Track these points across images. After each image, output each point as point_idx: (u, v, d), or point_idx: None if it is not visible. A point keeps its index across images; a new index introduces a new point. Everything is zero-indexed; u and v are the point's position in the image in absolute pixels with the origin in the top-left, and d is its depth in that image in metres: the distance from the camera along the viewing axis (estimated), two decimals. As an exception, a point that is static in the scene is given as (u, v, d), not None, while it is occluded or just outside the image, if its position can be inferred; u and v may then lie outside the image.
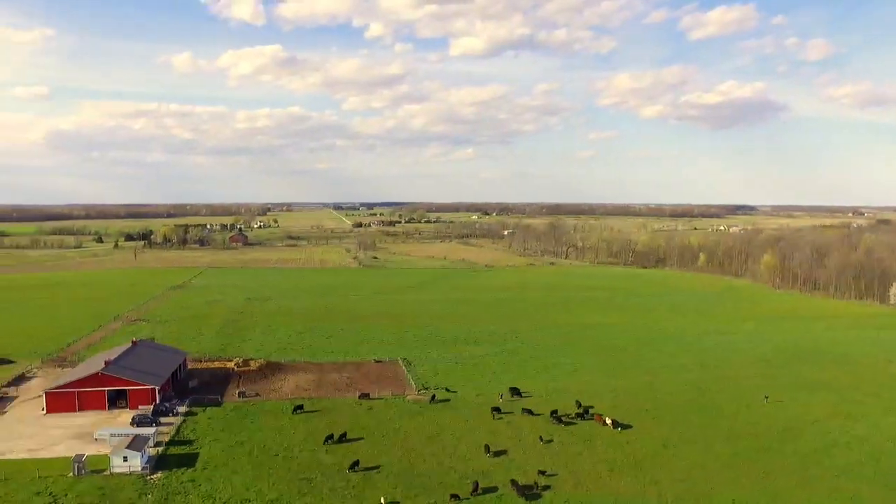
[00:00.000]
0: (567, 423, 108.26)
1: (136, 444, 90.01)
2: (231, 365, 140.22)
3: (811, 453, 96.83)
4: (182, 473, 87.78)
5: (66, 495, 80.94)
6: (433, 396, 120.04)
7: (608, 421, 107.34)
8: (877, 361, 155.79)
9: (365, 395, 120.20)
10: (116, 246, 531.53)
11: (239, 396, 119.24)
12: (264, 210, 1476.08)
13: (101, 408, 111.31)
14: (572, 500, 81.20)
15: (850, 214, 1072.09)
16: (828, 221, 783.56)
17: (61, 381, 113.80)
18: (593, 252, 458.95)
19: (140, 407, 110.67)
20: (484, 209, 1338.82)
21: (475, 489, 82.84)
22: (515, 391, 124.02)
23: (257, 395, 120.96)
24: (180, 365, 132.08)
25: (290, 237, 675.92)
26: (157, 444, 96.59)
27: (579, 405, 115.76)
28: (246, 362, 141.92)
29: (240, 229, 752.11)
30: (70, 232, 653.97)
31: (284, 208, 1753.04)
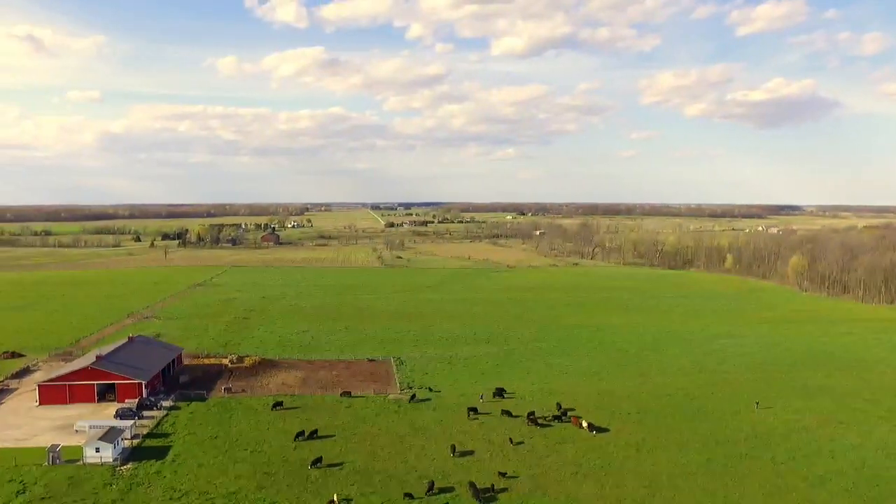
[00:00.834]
0: (543, 426, 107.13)
1: (108, 436, 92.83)
2: (226, 361, 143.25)
3: (789, 461, 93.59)
4: (151, 465, 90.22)
5: (36, 483, 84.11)
6: (413, 396, 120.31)
7: (584, 424, 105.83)
8: (889, 368, 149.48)
9: (346, 394, 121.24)
10: (152, 245, 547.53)
11: (224, 392, 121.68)
12: (302, 210, 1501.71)
13: (91, 400, 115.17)
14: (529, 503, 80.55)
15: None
16: (874, 222, 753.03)
17: (54, 375, 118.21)
18: (621, 253, 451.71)
19: (126, 400, 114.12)
20: (521, 209, 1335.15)
21: (430, 489, 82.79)
22: (500, 392, 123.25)
23: (243, 391, 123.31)
24: (174, 360, 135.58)
25: (322, 237, 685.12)
26: (135, 437, 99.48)
27: (559, 407, 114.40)
28: (241, 359, 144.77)
29: (273, 229, 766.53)
30: (111, 231, 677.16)
31: (322, 208, 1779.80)
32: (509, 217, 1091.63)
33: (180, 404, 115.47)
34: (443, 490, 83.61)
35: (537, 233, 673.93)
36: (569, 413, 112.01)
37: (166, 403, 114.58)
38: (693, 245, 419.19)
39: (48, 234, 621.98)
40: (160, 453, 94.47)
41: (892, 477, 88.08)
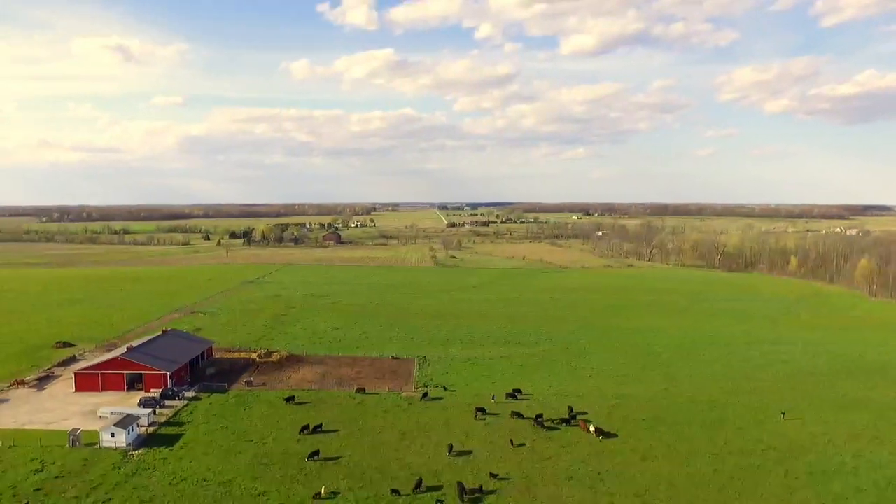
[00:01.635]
0: (549, 429, 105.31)
1: (123, 422, 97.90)
2: (254, 356, 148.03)
3: (805, 476, 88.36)
4: (159, 452, 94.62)
5: (54, 463, 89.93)
6: (425, 394, 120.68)
7: (591, 428, 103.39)
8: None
9: (361, 390, 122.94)
10: (219, 243, 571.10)
11: (245, 385, 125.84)
12: (369, 210, 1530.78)
13: (121, 389, 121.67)
14: (514, 506, 79.59)
15: None
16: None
17: (88, 364, 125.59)
18: (680, 254, 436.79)
19: (152, 390, 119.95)
20: (588, 209, 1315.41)
21: (417, 486, 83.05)
22: (515, 393, 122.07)
23: (263, 384, 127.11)
24: (203, 353, 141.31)
25: (383, 236, 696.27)
26: (152, 424, 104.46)
27: (571, 410, 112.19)
28: (268, 354, 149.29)
29: (336, 228, 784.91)
30: (183, 230, 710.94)
31: (390, 208, 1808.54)
32: (574, 217, 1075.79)
33: (202, 395, 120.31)
34: (431, 488, 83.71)
35: (599, 233, 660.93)
36: (578, 417, 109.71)
37: (189, 394, 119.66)
38: (757, 247, 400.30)
39: (126, 232, 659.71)
40: (171, 441, 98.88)
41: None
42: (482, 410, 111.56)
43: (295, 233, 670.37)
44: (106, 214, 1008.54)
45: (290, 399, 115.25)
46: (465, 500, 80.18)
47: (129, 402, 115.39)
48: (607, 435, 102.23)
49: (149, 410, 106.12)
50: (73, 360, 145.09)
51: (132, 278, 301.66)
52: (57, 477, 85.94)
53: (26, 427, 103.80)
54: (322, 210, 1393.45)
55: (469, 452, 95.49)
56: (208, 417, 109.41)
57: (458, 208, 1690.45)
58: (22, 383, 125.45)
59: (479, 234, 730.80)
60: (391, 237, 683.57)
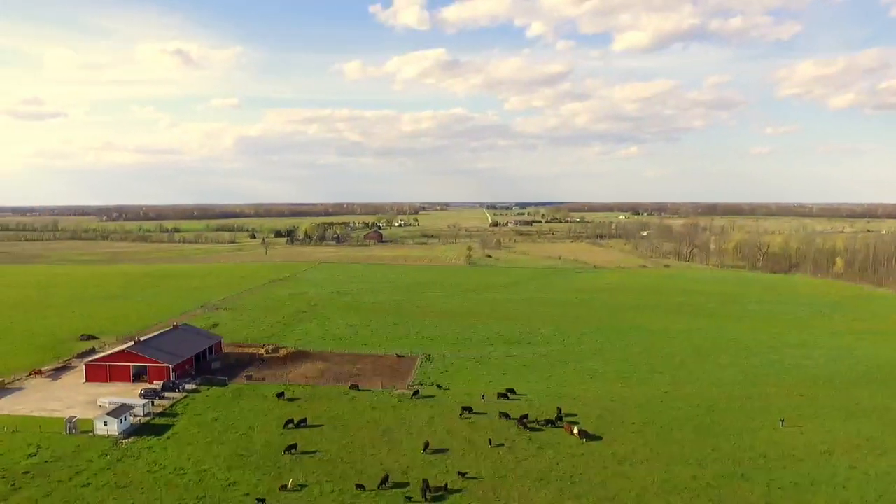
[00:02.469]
0: (533, 430, 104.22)
1: (117, 412, 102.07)
2: (261, 351, 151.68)
3: (790, 487, 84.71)
4: (147, 440, 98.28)
5: (48, 448, 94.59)
6: (416, 392, 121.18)
7: (575, 430, 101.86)
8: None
9: (354, 387, 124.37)
10: (263, 242, 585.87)
11: (245, 379, 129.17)
12: (417, 209, 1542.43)
13: (127, 380, 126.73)
14: (476, 506, 79.31)
15: None
16: None
17: (99, 356, 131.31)
18: (723, 255, 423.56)
19: (155, 381, 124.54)
20: (638, 209, 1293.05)
21: (383, 482, 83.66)
22: (508, 393, 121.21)
23: (263, 379, 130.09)
24: (210, 348, 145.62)
25: (424, 235, 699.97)
26: (147, 414, 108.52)
27: (559, 412, 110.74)
28: (276, 349, 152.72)
29: (379, 227, 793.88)
30: (230, 229, 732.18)
31: (438, 207, 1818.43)
32: (622, 217, 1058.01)
33: (202, 388, 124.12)
34: (398, 485, 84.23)
35: (644, 233, 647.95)
36: (565, 418, 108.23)
37: (189, 386, 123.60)
38: (803, 247, 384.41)
39: (177, 231, 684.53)
40: (161, 430, 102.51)
41: (901, 512, 77.59)
42: (469, 409, 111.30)
43: (338, 231, 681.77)
44: (161, 214, 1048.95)
45: (280, 395, 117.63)
46: (428, 497, 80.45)
47: (132, 393, 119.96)
48: (591, 437, 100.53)
49: (145, 401, 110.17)
50: (91, 352, 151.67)
51: (170, 275, 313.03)
52: (47, 461, 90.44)
53: (33, 414, 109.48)
54: (369, 209, 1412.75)
55: (445, 451, 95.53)
56: (202, 409, 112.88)
57: (507, 208, 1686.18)
58: (39, 373, 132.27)
59: (521, 233, 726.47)
60: (432, 236, 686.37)
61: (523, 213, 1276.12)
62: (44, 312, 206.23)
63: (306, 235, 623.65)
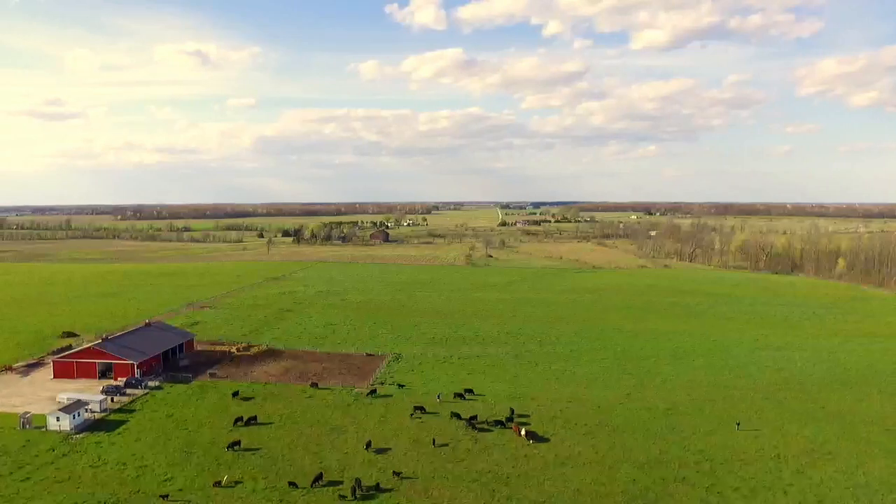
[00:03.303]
0: (482, 430, 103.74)
1: (70, 408, 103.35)
2: (233, 349, 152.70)
3: (730, 492, 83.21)
4: (98, 436, 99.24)
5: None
6: (373, 391, 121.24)
7: (522, 432, 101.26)
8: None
9: (314, 385, 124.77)
10: (270, 241, 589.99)
11: (209, 377, 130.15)
12: (430, 209, 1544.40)
13: (93, 377, 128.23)
14: (403, 506, 79.15)
15: None
16: None
17: (67, 353, 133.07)
18: (726, 255, 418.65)
19: (119, 378, 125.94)
20: (655, 209, 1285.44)
21: (315, 480, 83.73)
22: (465, 393, 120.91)
23: (226, 377, 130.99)
24: (180, 346, 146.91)
25: (431, 235, 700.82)
26: (104, 411, 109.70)
27: (512, 412, 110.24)
28: (247, 347, 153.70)
29: (386, 227, 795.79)
30: (239, 228, 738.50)
31: (452, 207, 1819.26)
32: (633, 216, 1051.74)
33: (166, 385, 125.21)
34: (332, 483, 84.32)
35: (652, 233, 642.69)
36: (516, 419, 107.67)
37: (153, 383, 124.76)
38: (807, 247, 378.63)
39: (187, 230, 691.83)
40: (114, 426, 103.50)
41: (833, 518, 76.14)
42: (421, 409, 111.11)
43: (345, 231, 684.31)
44: (174, 213, 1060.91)
45: (235, 394, 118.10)
46: (358, 495, 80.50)
47: (95, 389, 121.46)
48: (538, 439, 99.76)
49: (101, 397, 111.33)
50: (68, 349, 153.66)
51: (167, 273, 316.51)
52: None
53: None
54: (381, 209, 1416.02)
55: (388, 450, 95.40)
56: (159, 406, 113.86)
57: (520, 207, 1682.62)
58: (10, 369, 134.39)
59: (528, 233, 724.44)
60: (439, 236, 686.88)
61: (535, 213, 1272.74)
62: (34, 309, 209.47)
63: (312, 235, 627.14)
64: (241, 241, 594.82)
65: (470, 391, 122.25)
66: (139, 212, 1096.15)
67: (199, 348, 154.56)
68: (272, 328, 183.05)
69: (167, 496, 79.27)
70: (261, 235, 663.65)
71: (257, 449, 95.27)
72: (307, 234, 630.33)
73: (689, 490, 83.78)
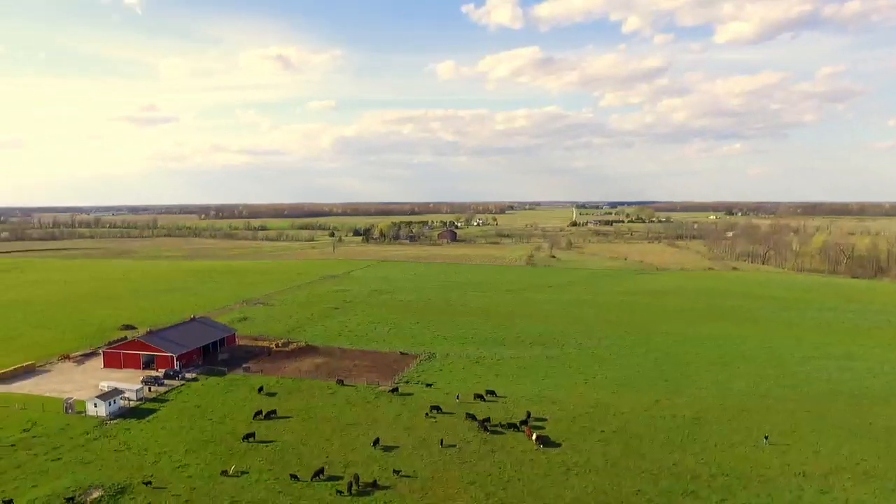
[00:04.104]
0: (494, 433, 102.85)
1: (106, 395, 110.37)
2: (273, 345, 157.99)
3: (740, 507, 79.25)
4: (128, 423, 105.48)
5: (42, 425, 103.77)
6: (394, 389, 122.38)
7: (534, 436, 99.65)
8: None
9: (340, 382, 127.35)
10: (340, 240, 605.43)
11: (243, 371, 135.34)
12: (504, 208, 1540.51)
13: (138, 367, 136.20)
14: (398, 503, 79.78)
15: None
16: None
17: (115, 344, 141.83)
18: (803, 257, 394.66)
19: (160, 369, 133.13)
20: (734, 209, 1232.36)
21: (316, 474, 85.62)
22: (486, 394, 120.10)
23: (260, 371, 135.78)
24: (223, 340, 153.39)
25: (499, 235, 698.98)
26: (140, 399, 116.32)
27: (528, 416, 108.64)
28: (286, 343, 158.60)
29: (455, 226, 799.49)
30: (312, 227, 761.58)
31: (528, 207, 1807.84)
32: (712, 217, 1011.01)
33: (201, 377, 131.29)
34: (332, 478, 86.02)
35: (730, 234, 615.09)
36: (531, 423, 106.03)
37: (190, 375, 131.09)
38: (895, 249, 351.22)
39: (263, 228, 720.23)
40: (145, 414, 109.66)
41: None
42: (437, 409, 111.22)
43: (413, 230, 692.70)
44: (254, 212, 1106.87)
45: (260, 389, 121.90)
46: (354, 491, 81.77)
47: (138, 379, 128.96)
48: (548, 444, 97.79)
49: (138, 387, 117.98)
50: (122, 340, 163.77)
51: (232, 271, 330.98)
52: (35, 436, 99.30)
53: (45, 394, 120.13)
54: (455, 209, 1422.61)
55: (395, 448, 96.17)
56: (190, 397, 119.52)
57: (597, 207, 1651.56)
58: (67, 358, 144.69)
59: (598, 233, 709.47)
60: (507, 236, 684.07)
61: (610, 213, 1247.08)
62: (103, 303, 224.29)
63: (381, 234, 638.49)
64: (311, 240, 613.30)
65: (492, 392, 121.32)
66: (221, 211, 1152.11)
67: (241, 343, 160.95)
68: (316, 325, 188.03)
69: (149, 483, 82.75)
70: (332, 234, 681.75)
71: (270, 441, 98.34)
72: (376, 233, 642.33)
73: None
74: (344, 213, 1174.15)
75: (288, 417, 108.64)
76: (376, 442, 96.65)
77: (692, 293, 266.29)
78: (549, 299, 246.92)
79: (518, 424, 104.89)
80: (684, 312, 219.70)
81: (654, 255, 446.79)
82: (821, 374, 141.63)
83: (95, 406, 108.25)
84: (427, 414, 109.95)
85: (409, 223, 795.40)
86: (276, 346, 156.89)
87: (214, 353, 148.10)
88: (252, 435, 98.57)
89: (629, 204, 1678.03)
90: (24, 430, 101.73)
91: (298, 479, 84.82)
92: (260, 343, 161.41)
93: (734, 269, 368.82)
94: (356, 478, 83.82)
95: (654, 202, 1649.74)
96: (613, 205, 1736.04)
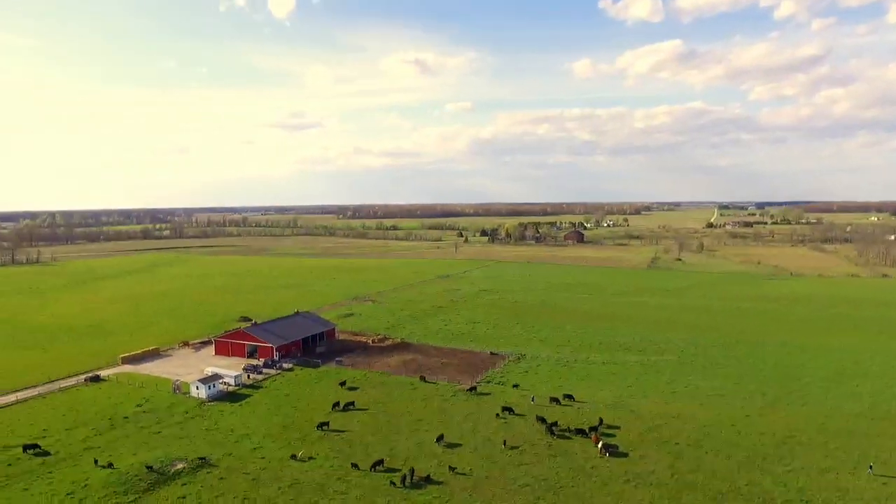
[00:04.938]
0: (561, 437, 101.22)
1: (207, 380, 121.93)
2: (369, 340, 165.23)
3: (811, 536, 72.35)
4: (223, 406, 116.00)
5: (153, 402, 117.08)
6: (473, 388, 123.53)
7: (599, 444, 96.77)
8: None
9: (422, 378, 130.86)
10: (466, 241, 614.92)
11: (335, 364, 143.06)
12: (639, 209, 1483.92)
13: (242, 356, 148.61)
14: (446, 499, 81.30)
15: None
16: None
17: (225, 334, 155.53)
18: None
19: (260, 359, 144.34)
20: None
21: (374, 465, 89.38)
22: (562, 398, 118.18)
23: (351, 365, 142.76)
24: (322, 333, 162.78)
25: (629, 236, 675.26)
26: (238, 384, 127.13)
27: (600, 422, 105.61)
28: (383, 339, 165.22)
29: (583, 227, 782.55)
30: (441, 227, 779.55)
31: (667, 207, 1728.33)
32: (873, 218, 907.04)
33: (297, 368, 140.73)
34: (390, 469, 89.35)
35: (892, 237, 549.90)
36: (600, 429, 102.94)
37: (287, 366, 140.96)
38: None
39: (394, 228, 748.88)
40: (240, 399, 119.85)
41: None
42: (510, 410, 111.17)
43: (541, 231, 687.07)
44: (389, 213, 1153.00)
45: (342, 384, 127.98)
46: (407, 484, 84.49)
47: (241, 366, 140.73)
48: (614, 453, 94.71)
49: (236, 373, 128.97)
50: (235, 330, 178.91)
51: (351, 268, 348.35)
52: (145, 412, 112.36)
53: (163, 375, 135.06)
54: (589, 209, 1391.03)
55: (458, 445, 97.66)
56: (283, 386, 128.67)
57: (742, 207, 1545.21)
58: (187, 344, 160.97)
59: (735, 235, 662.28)
60: (636, 237, 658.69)
61: (754, 214, 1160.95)
62: (228, 297, 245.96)
63: (507, 234, 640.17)
64: (438, 240, 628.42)
65: (570, 397, 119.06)
66: (357, 211, 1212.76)
67: (341, 337, 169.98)
68: (417, 323, 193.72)
69: (151, 468, 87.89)
70: (460, 234, 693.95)
71: (342, 431, 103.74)
72: (502, 233, 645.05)
73: (762, 529, 74.03)
74: (475, 214, 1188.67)
75: (364, 410, 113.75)
76: (440, 438, 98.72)
77: (824, 300, 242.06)
78: (658, 304, 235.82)
79: (587, 430, 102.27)
80: (809, 321, 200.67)
81: (791, 260, 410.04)
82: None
83: (197, 389, 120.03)
84: (498, 415, 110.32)
85: (537, 224, 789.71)
86: (373, 341, 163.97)
87: (314, 345, 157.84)
88: (326, 424, 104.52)
89: (779, 204, 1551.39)
90: (138, 406, 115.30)
91: (358, 468, 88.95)
92: (358, 338, 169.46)
93: (884, 276, 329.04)
94: (412, 471, 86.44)
95: (808, 202, 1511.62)
96: (761, 205, 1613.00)
